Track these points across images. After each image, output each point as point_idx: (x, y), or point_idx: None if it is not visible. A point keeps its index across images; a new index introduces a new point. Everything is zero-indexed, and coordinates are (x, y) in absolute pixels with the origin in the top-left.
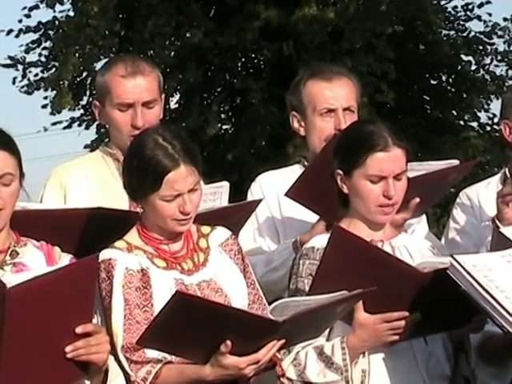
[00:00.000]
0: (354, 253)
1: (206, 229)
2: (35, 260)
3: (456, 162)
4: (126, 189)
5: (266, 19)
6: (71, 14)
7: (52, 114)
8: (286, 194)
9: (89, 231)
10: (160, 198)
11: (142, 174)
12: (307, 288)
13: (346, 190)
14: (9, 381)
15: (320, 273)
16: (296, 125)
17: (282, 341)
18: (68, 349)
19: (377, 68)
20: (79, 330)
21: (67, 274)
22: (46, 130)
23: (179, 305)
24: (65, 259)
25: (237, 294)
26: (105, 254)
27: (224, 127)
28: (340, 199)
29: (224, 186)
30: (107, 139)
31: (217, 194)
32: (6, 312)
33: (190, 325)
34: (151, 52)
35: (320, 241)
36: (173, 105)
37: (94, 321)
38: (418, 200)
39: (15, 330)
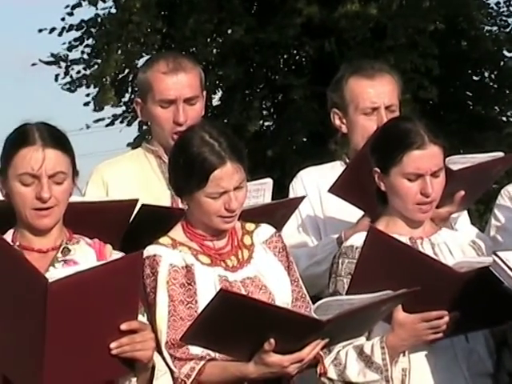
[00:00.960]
0: (390, 253)
1: (250, 226)
2: (87, 257)
3: (500, 154)
4: (172, 185)
5: (307, 16)
6: (113, 11)
7: (95, 110)
8: (329, 191)
9: (133, 227)
10: (206, 195)
11: (188, 171)
12: (346, 287)
13: (383, 188)
14: (52, 375)
15: (358, 273)
16: (337, 122)
17: (326, 340)
18: (113, 345)
19: (420, 65)
20: (124, 326)
21: (110, 269)
22: (88, 127)
23: (223, 303)
24: (115, 257)
25: (281, 291)
26: (149, 251)
27: (265, 124)
28: (378, 197)
29: (267, 183)
30: (149, 137)
31: (260, 191)
32: (48, 306)
33: (234, 322)
34: (193, 49)
35: (359, 239)
36: (215, 102)
37: (142, 318)
38: (462, 193)
39: (58, 324)
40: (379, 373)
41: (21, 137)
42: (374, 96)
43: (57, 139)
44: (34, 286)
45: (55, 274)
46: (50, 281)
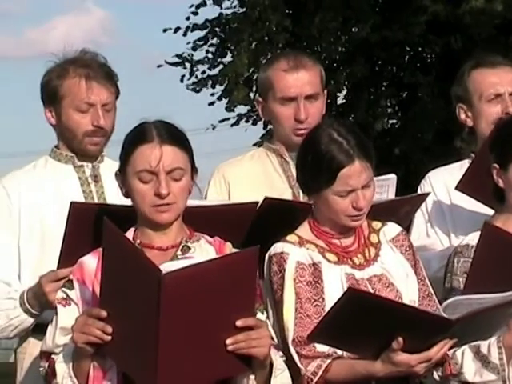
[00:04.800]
0: (507, 251)
1: (376, 224)
2: (207, 255)
3: None
4: (300, 183)
5: (433, 13)
6: (239, 9)
7: (227, 110)
8: (456, 188)
9: (256, 222)
10: (334, 193)
11: (316, 169)
12: (462, 286)
13: (501, 185)
14: (168, 371)
15: (473, 271)
16: (463, 116)
17: (454, 340)
18: (228, 341)
19: None
20: (240, 323)
21: (226, 263)
22: (214, 127)
23: (351, 301)
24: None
25: (408, 289)
26: (277, 248)
27: (391, 121)
28: (496, 194)
29: (391, 179)
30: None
31: (384, 187)
32: (162, 298)
33: (362, 321)
34: (318, 47)
35: (475, 238)
36: (340, 100)
37: (261, 317)
38: None
39: (172, 317)
40: (496, 373)
41: (139, 135)
42: (497, 83)
43: (174, 136)
44: (149, 278)
45: (169, 266)
46: (163, 272)
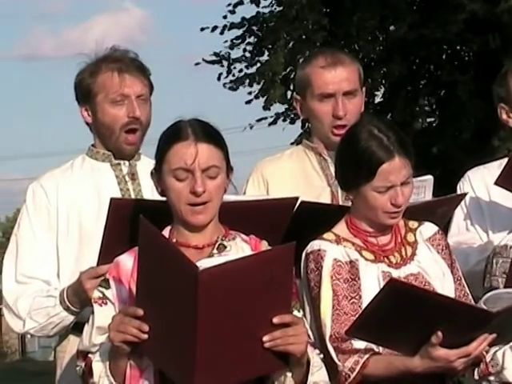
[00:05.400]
0: None
1: (413, 223)
2: (242, 254)
3: None
4: (338, 179)
5: (471, 11)
6: (276, 8)
7: (264, 108)
8: (495, 183)
9: (292, 225)
10: (373, 189)
11: (355, 165)
12: (501, 287)
13: None
14: (205, 368)
15: None
16: (504, 116)
17: (493, 335)
18: (266, 338)
19: None
20: (276, 320)
21: (262, 259)
22: (251, 127)
23: (393, 293)
24: None
25: (444, 288)
26: (314, 245)
27: (428, 120)
28: None
29: (428, 180)
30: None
31: (421, 188)
32: (199, 294)
33: (402, 315)
34: (356, 46)
35: None
36: (378, 99)
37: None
38: None
39: (209, 314)
40: None
41: (174, 133)
42: None
43: (209, 134)
44: (186, 274)
45: (206, 263)
46: (200, 269)
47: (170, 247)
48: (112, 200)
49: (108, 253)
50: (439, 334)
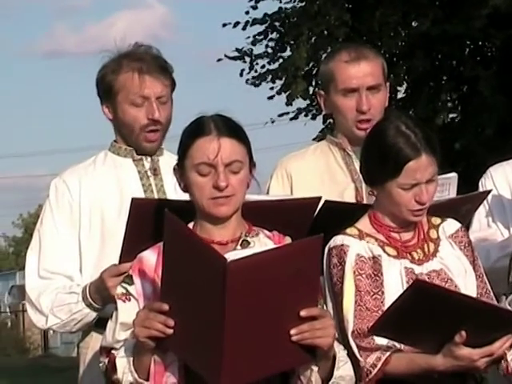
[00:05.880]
0: None
1: (436, 220)
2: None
3: None
4: (363, 174)
5: (494, 6)
6: (297, 4)
7: (286, 104)
8: None
9: (316, 223)
10: (398, 186)
11: (382, 160)
12: None
13: None
14: (232, 361)
15: None
16: None
17: None
18: (293, 331)
19: None
20: (304, 313)
21: (289, 252)
22: (273, 122)
23: (418, 293)
24: None
25: (466, 285)
26: (337, 240)
27: (451, 116)
28: None
29: (452, 178)
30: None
31: (445, 186)
32: (228, 286)
33: (426, 314)
34: (378, 42)
35: None
36: (400, 94)
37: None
38: None
39: (237, 306)
40: None
41: (196, 128)
42: None
43: (232, 129)
44: (214, 266)
45: (234, 255)
46: (228, 261)
47: (196, 240)
48: (133, 200)
49: (129, 252)
50: (463, 333)
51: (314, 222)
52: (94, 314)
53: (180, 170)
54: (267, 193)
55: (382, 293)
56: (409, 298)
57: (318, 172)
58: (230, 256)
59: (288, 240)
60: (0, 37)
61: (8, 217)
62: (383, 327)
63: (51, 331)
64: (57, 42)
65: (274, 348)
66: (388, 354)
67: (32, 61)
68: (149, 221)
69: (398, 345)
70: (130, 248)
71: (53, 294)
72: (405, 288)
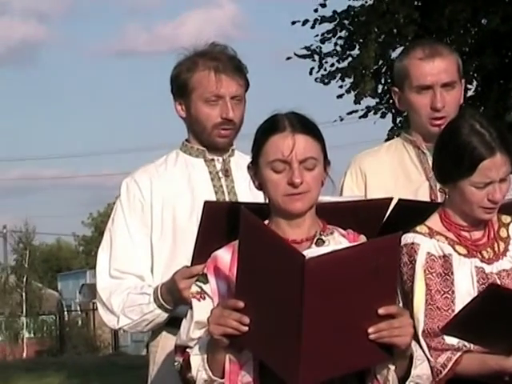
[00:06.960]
0: None
1: (506, 218)
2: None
3: None
4: (436, 171)
5: None
6: (366, 2)
7: (355, 102)
8: None
9: (389, 222)
10: (471, 184)
11: (455, 159)
12: None
13: None
14: (310, 359)
15: None
16: None
17: None
18: (371, 330)
19: None
20: (382, 311)
21: (368, 249)
22: (342, 119)
23: (491, 298)
24: None
25: None
26: (407, 238)
27: None
28: None
29: None
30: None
31: None
32: (306, 283)
33: (499, 317)
34: (447, 39)
35: None
36: (470, 92)
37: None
38: None
39: (315, 303)
40: None
41: (271, 125)
42: None
43: (306, 126)
44: (292, 263)
45: (312, 252)
46: (307, 258)
47: (274, 236)
48: (206, 203)
49: (201, 254)
50: None
51: (386, 221)
52: (165, 315)
53: (254, 168)
54: (341, 190)
55: (453, 292)
56: (482, 302)
57: (392, 170)
58: (308, 253)
59: (363, 238)
60: (76, 37)
61: (77, 216)
62: (455, 328)
63: (122, 330)
64: (127, 42)
65: (351, 346)
66: (459, 354)
67: (103, 60)
68: (221, 223)
69: (468, 345)
70: (202, 250)
71: (124, 294)
72: (475, 287)
